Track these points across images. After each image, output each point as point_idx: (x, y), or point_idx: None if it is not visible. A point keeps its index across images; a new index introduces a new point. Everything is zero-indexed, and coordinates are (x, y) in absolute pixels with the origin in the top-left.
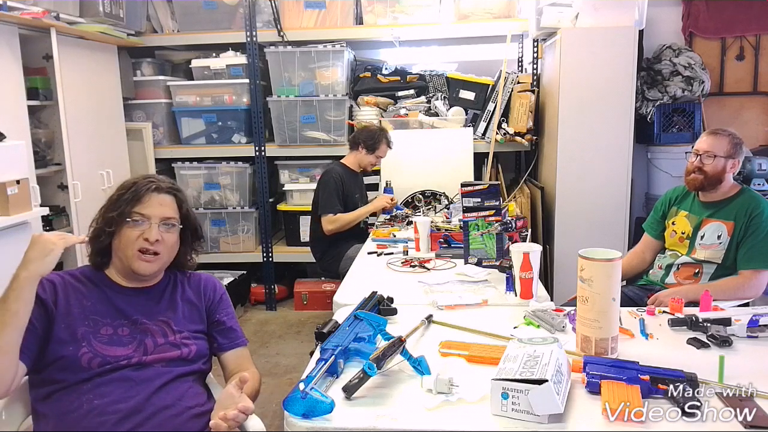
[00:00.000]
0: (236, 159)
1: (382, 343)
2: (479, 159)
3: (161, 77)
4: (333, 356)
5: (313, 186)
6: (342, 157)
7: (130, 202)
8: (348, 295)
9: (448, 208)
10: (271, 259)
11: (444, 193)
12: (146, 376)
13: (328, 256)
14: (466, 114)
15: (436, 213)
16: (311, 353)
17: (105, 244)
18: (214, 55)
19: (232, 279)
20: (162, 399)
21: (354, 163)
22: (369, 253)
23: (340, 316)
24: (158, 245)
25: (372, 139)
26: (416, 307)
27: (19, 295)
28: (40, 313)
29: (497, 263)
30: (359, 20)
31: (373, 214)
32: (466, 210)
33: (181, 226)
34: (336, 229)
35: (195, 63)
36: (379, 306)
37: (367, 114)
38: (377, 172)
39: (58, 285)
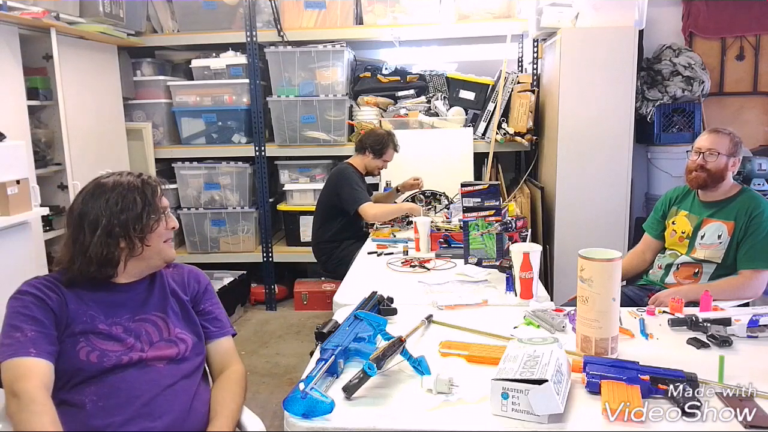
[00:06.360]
0: (236, 159)
1: (382, 343)
2: (479, 159)
3: (161, 77)
4: (333, 356)
5: (314, 186)
6: (343, 157)
7: (147, 207)
8: (348, 295)
9: (448, 208)
10: (271, 259)
11: (444, 193)
12: (151, 377)
13: (335, 259)
14: (466, 114)
15: (436, 213)
16: (311, 353)
17: (119, 257)
18: (214, 55)
19: (232, 279)
20: (168, 400)
21: (361, 166)
22: (369, 253)
23: (340, 316)
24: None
25: (379, 144)
26: (416, 307)
27: None
28: (50, 316)
29: (497, 263)
30: (359, 20)
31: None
32: (466, 210)
33: None
34: (379, 215)
35: (195, 63)
36: (379, 306)
37: (367, 114)
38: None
39: (63, 287)
